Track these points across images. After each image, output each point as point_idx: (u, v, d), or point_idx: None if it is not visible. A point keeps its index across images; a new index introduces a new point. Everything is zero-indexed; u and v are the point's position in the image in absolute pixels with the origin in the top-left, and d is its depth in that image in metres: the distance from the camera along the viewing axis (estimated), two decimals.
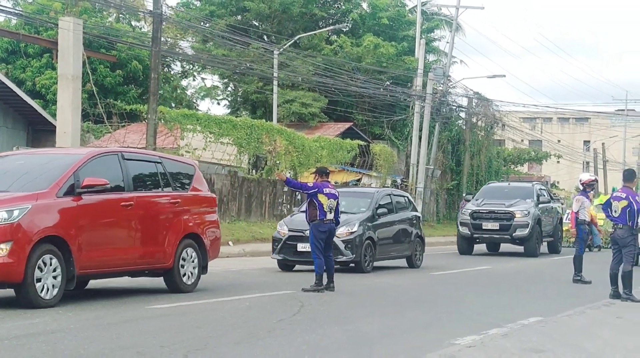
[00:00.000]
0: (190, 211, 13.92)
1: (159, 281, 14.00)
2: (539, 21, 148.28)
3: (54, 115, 27.99)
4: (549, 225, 27.90)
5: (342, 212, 16.79)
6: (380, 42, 46.07)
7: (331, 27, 47.29)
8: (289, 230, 18.10)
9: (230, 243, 26.03)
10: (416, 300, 13.72)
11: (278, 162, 32.47)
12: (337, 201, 14.70)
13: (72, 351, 8.22)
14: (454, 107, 46.49)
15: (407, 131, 44.98)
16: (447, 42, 47.58)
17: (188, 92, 51.59)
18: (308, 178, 33.08)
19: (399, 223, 19.97)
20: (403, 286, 15.95)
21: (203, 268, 14.13)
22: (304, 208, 18.14)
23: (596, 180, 18.88)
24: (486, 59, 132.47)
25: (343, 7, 50.68)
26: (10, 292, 11.59)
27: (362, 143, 39.09)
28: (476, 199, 27.68)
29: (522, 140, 60.41)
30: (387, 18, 48.17)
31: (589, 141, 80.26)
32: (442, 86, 43.57)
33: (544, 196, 28.31)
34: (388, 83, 45.66)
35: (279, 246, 18.19)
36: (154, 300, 12.54)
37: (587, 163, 72.69)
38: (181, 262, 13.49)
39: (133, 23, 46.58)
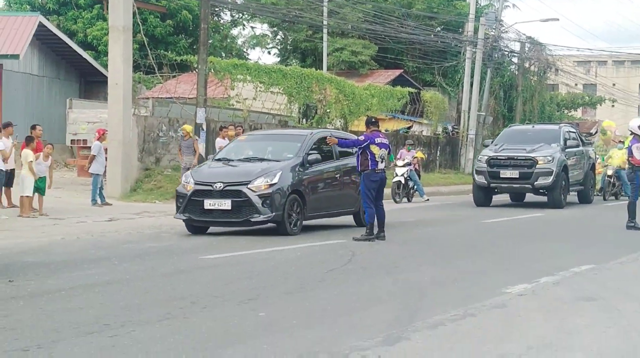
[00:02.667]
0: None
1: (210, 232, 14.13)
2: None
3: (105, 66, 28.20)
4: (579, 172, 25.22)
5: (263, 159, 15.48)
6: None
7: None
8: (195, 183, 14.89)
9: None
10: (466, 248, 13.71)
11: (328, 111, 32.44)
12: (389, 151, 14.73)
13: (127, 301, 8.39)
14: (506, 53, 45.86)
15: (458, 78, 44.56)
16: None
17: (238, 42, 51.60)
18: (359, 126, 33.08)
19: (342, 172, 16.43)
20: (453, 235, 15.94)
21: None
22: (220, 155, 16.35)
23: None
24: (539, 2, 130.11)
25: None
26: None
27: (412, 90, 38.85)
28: (495, 145, 24.78)
29: (576, 84, 59.52)
30: None
31: None
32: (494, 30, 42.93)
33: (573, 139, 25.28)
34: (439, 29, 45.16)
35: (183, 204, 14.86)
36: (206, 250, 12.70)
37: None
38: None
39: None
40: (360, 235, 14.30)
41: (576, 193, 25.84)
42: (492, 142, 25.70)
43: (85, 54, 34.77)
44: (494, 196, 24.51)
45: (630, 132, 17.65)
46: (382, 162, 14.39)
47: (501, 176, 23.46)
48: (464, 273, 10.82)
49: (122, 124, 22.31)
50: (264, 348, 6.50)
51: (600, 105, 63.10)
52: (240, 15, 49.66)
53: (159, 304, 8.26)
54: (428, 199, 25.82)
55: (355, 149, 15.03)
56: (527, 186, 23.48)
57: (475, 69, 40.72)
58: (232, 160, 15.79)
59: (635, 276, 10.80)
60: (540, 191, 23.77)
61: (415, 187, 25.94)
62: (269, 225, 14.99)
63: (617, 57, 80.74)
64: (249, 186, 14.54)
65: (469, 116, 41.01)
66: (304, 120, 32.34)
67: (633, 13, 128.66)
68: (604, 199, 27.72)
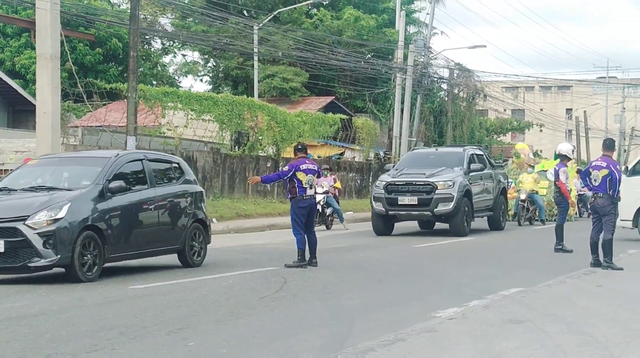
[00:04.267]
0: None
1: (143, 261, 14.00)
2: None
3: (34, 95, 27.87)
4: (486, 197, 23.91)
5: (52, 189, 12.75)
6: (360, 15, 45.99)
7: (311, 1, 47.09)
8: None
9: (214, 220, 26.03)
10: (398, 273, 13.79)
11: (260, 137, 32.45)
12: (319, 175, 14.75)
13: (54, 333, 8.24)
14: (436, 79, 46.50)
15: (389, 104, 45.01)
16: (428, 14, 47.61)
17: (170, 70, 51.45)
18: (291, 152, 33.10)
19: (158, 203, 13.75)
20: (385, 260, 16.01)
21: None
22: (1, 184, 13.40)
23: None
24: (467, 29, 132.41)
25: None
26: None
27: (344, 116, 39.08)
28: (395, 169, 23.25)
29: (505, 110, 60.57)
30: None
31: (571, 109, 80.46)
32: (423, 57, 43.52)
33: (478, 162, 23.65)
34: (369, 56, 45.61)
35: None
36: (137, 280, 12.55)
37: (570, 131, 72.91)
38: None
39: (111, 0, 46.30)
40: (292, 261, 14.30)
41: (486, 219, 24.72)
42: (393, 166, 24.26)
43: (13, 83, 34.33)
44: (399, 224, 23.42)
45: (559, 156, 17.98)
46: (310, 188, 14.41)
47: (399, 202, 21.92)
48: (394, 298, 10.87)
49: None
50: None
51: (529, 130, 64.26)
52: (171, 43, 49.54)
53: (86, 335, 8.14)
54: (348, 229, 24.90)
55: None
56: (426, 213, 21.96)
57: (406, 96, 41.16)
58: (15, 190, 12.97)
59: (562, 298, 10.95)
60: (442, 218, 22.29)
61: (335, 213, 25.17)
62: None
63: (544, 82, 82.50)
64: (26, 222, 11.77)
65: (400, 142, 41.38)
66: (237, 147, 32.32)
67: (558, 40, 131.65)
68: (519, 224, 26.93)
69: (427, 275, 13.43)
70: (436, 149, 26.17)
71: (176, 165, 14.93)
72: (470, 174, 22.82)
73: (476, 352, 7.44)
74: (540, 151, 69.30)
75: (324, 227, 24.80)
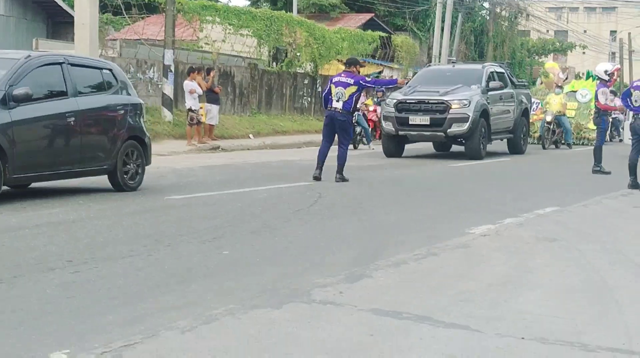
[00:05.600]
0: None
1: (179, 173, 14.09)
2: None
3: (72, 6, 27.80)
4: (506, 118, 22.57)
5: None
6: None
7: None
8: None
9: (250, 135, 26.14)
10: (432, 191, 13.80)
11: (298, 54, 32.28)
12: (351, 87, 14.34)
13: (91, 239, 8.37)
14: None
15: (429, 22, 44.46)
16: None
17: None
18: (329, 70, 32.99)
19: (80, 115, 11.63)
20: (420, 178, 16.01)
21: None
22: None
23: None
24: None
25: None
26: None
27: (383, 34, 38.70)
28: (408, 87, 21.46)
29: (547, 31, 59.62)
30: None
31: (615, 31, 78.96)
32: None
33: (499, 80, 22.19)
34: None
35: None
36: (173, 190, 12.67)
37: (613, 53, 71.66)
38: None
39: None
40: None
41: (505, 142, 23.61)
42: (406, 84, 22.16)
43: None
44: (415, 145, 22.57)
45: (596, 77, 17.74)
46: (338, 101, 14.38)
47: (410, 122, 20.38)
48: (428, 215, 10.89)
49: None
50: (226, 284, 6.53)
51: (571, 51, 63.24)
52: None
53: (123, 242, 8.25)
54: (374, 149, 24.05)
55: None
56: (439, 133, 20.49)
57: (447, 14, 40.58)
58: None
59: (597, 218, 10.91)
60: (456, 139, 21.05)
61: (362, 133, 24.63)
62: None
63: (589, 3, 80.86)
64: None
65: (439, 61, 40.95)
66: (274, 63, 32.19)
67: None
68: (544, 147, 26.09)
69: (461, 194, 13.42)
70: (453, 66, 24.63)
71: (107, 72, 12.62)
72: (489, 93, 21.41)
73: (508, 267, 7.45)
74: (583, 73, 68.32)
75: (351, 146, 24.48)
